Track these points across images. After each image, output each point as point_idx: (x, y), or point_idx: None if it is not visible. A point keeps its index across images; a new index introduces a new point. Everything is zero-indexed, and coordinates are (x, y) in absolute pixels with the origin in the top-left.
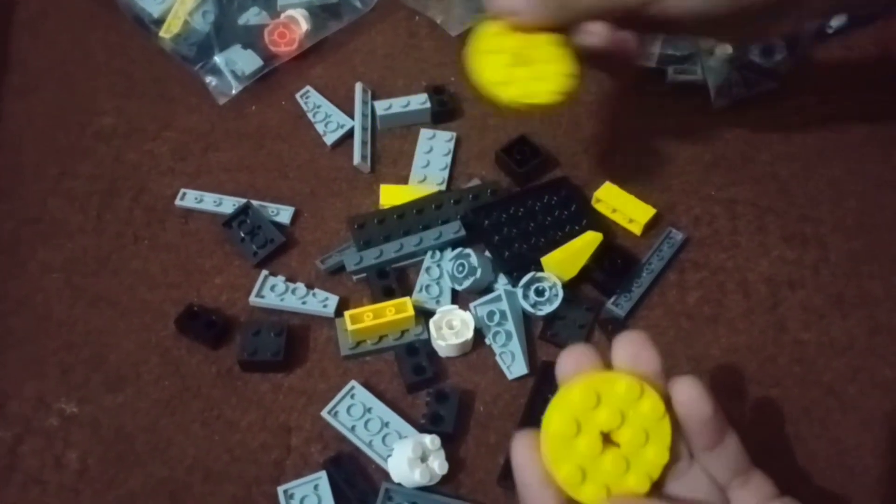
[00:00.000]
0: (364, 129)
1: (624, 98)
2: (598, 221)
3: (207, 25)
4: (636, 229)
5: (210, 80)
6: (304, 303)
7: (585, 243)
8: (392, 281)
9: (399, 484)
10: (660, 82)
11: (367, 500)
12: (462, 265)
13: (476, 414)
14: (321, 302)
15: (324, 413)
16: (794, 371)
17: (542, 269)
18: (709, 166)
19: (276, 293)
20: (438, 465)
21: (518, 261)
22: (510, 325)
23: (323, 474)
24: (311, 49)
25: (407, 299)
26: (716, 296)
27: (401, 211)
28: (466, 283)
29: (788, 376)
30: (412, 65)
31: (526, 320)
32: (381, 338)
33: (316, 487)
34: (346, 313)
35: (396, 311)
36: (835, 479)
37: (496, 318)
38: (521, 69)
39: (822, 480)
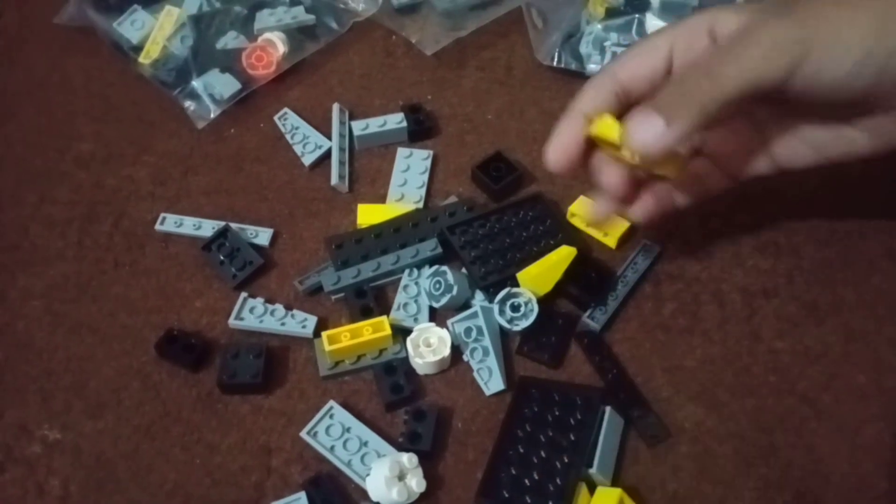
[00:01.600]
0: (342, 149)
1: None
2: (572, 236)
3: (186, 50)
4: (611, 242)
5: (188, 104)
6: (282, 324)
7: (560, 258)
8: (370, 300)
9: (378, 503)
10: None
11: None
12: (439, 282)
13: (454, 431)
14: (300, 323)
15: (303, 434)
16: (769, 380)
17: (517, 285)
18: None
19: (255, 315)
20: (416, 483)
21: (494, 277)
22: (487, 342)
23: (302, 495)
24: (289, 71)
25: (384, 318)
26: (691, 307)
27: (378, 230)
28: (444, 301)
29: (763, 385)
30: (389, 84)
31: (503, 335)
32: (359, 357)
33: None
34: (324, 333)
35: (374, 330)
36: (811, 488)
37: (473, 334)
38: None
39: (798, 490)
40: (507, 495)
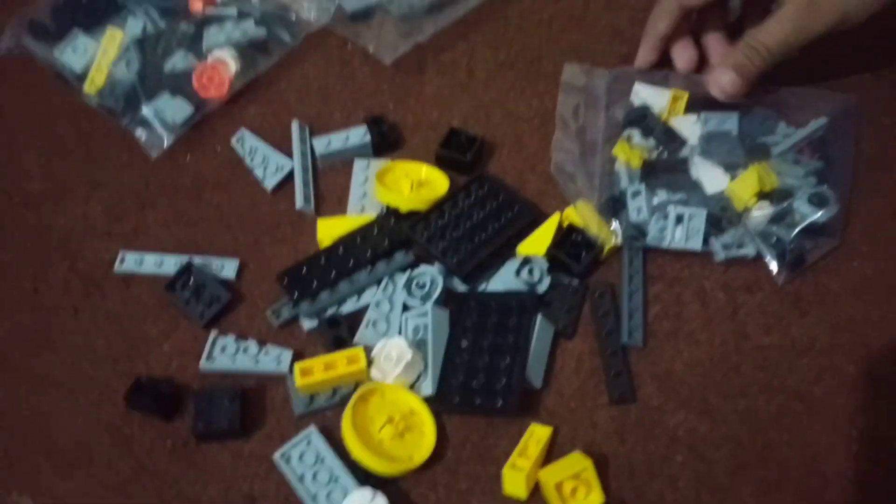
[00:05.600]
0: (304, 168)
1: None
2: (528, 205)
3: (132, 75)
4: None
5: (140, 133)
6: (257, 362)
7: (548, 223)
8: (343, 330)
9: None
10: None
11: None
12: (422, 283)
13: (446, 460)
14: (275, 359)
15: (276, 456)
16: (758, 378)
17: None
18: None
19: (228, 354)
20: None
21: (471, 263)
22: (428, 342)
23: None
24: (243, 90)
25: (360, 349)
26: (674, 309)
27: (329, 252)
28: (437, 294)
29: (753, 384)
30: (348, 96)
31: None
32: (334, 391)
33: None
34: (296, 365)
35: (349, 362)
36: (811, 485)
37: (420, 332)
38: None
39: (797, 489)
40: (458, 400)
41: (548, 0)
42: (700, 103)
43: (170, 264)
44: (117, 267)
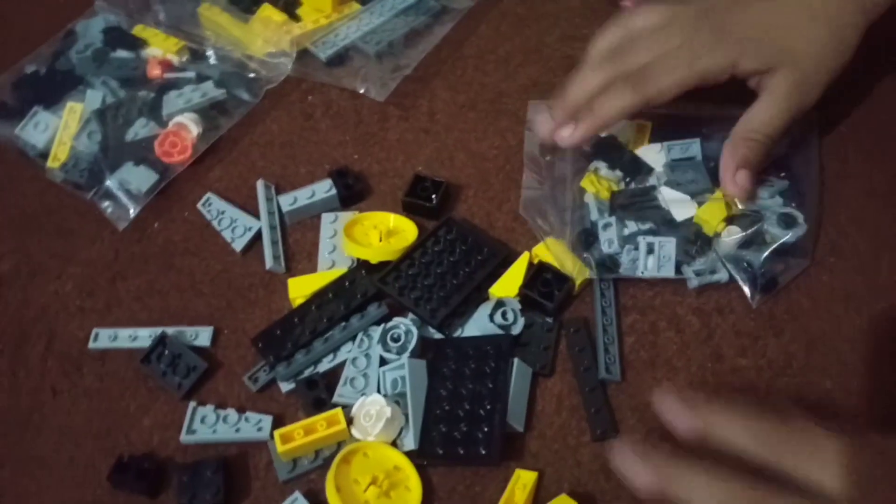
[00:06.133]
0: (272, 227)
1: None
2: (497, 245)
3: (95, 146)
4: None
5: (106, 205)
6: (237, 430)
7: (518, 263)
8: (321, 391)
9: None
10: None
11: None
12: (396, 336)
13: None
14: (255, 426)
15: None
16: (737, 401)
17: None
18: None
19: (208, 425)
20: None
21: (444, 311)
22: (407, 396)
23: None
24: (207, 152)
25: (338, 411)
26: (649, 338)
27: (301, 312)
28: (412, 346)
29: None
30: (313, 149)
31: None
32: (316, 453)
33: None
34: (276, 433)
35: (328, 424)
36: None
37: (398, 386)
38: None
39: None
40: (441, 451)
41: (503, 36)
42: (662, 131)
43: (144, 337)
44: (91, 344)
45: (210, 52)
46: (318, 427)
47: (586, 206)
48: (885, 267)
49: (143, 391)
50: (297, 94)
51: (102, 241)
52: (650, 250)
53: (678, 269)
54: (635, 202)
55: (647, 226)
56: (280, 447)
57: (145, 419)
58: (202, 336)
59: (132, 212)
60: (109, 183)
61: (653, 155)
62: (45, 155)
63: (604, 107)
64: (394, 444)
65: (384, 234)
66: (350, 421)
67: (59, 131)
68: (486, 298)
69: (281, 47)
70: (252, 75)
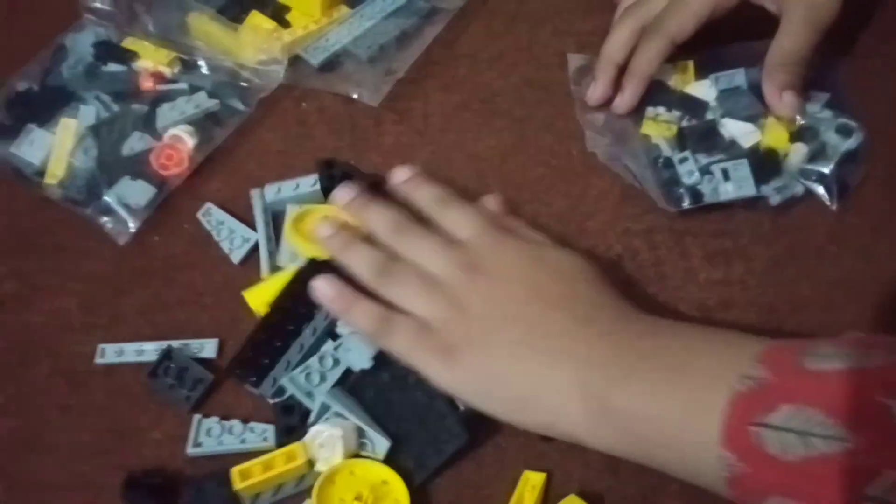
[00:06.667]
0: (269, 238)
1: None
2: None
3: (91, 161)
4: None
5: (105, 220)
6: (243, 441)
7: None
8: (294, 418)
9: None
10: None
11: None
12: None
13: None
14: (260, 436)
15: None
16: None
17: None
18: (619, 200)
19: (213, 437)
20: None
21: None
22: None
23: None
24: (204, 163)
25: (298, 445)
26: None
27: (265, 324)
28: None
29: None
30: (308, 156)
31: None
32: (280, 486)
33: None
34: (234, 469)
35: (287, 460)
36: None
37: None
38: None
39: None
40: (431, 461)
41: (494, 35)
42: (705, 68)
43: (150, 351)
44: (98, 360)
45: (202, 63)
46: (277, 463)
47: (656, 148)
48: None
49: (151, 406)
50: (289, 101)
51: (103, 256)
52: (725, 174)
53: (757, 189)
54: (701, 135)
55: (716, 156)
56: (237, 484)
57: (155, 433)
58: (208, 348)
59: (132, 226)
60: (107, 198)
61: (704, 90)
62: (41, 173)
63: (639, 61)
64: (370, 457)
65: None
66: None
67: (55, 148)
68: None
69: (272, 55)
70: (244, 84)
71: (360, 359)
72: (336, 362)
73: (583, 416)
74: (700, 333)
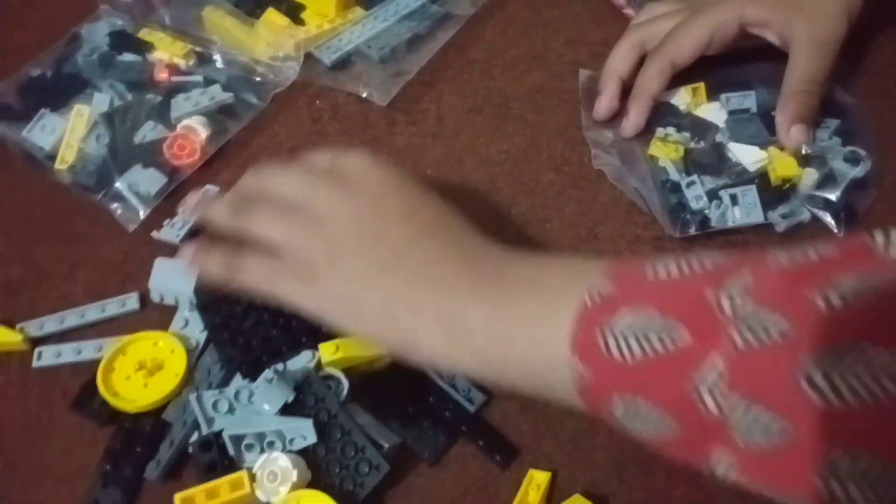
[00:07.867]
0: None
1: None
2: None
3: (103, 149)
4: None
5: (115, 207)
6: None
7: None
8: (214, 453)
9: None
10: None
11: None
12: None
13: None
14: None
15: None
16: None
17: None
18: (629, 206)
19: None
20: None
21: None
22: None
23: None
24: (215, 155)
25: (243, 474)
26: None
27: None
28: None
29: None
30: None
31: None
32: None
33: None
34: (177, 496)
35: (232, 488)
36: None
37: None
38: None
39: None
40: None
41: (508, 41)
42: (717, 91)
43: None
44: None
45: (217, 56)
46: (222, 490)
47: (663, 170)
48: None
49: None
50: (304, 98)
51: (111, 243)
52: (734, 200)
53: (764, 216)
54: (708, 158)
55: (723, 180)
56: None
57: None
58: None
59: (142, 213)
60: (118, 185)
61: (714, 112)
62: (52, 157)
63: (640, 81)
64: None
65: (147, 372)
66: (252, 478)
67: (67, 134)
68: None
69: (285, 51)
70: (259, 79)
71: (272, 402)
72: (250, 400)
73: (440, 336)
74: (555, 257)
